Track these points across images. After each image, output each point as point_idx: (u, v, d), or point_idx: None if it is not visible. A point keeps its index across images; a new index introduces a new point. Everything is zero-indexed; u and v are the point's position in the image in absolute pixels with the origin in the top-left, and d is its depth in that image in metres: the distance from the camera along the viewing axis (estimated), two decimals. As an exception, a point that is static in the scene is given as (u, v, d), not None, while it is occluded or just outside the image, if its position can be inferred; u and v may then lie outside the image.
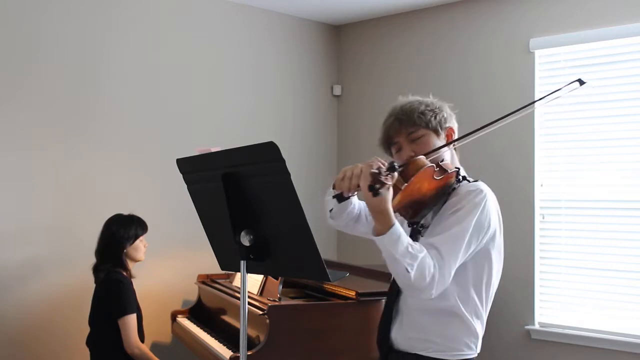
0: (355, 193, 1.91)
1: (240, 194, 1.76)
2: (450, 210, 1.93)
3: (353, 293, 3.05)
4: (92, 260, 3.37)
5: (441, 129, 2.05)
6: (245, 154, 1.73)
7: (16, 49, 3.55)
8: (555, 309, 3.95)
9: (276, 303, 3.05)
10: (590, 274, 3.82)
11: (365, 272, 3.59)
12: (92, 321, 3.36)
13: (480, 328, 2.00)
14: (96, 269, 3.36)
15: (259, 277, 3.34)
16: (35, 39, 3.62)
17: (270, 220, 1.76)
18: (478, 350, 2.01)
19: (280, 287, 3.18)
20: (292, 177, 1.62)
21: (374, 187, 1.71)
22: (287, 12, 4.72)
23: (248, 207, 1.76)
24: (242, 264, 1.80)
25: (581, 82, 1.93)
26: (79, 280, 3.64)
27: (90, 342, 3.36)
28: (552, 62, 4.01)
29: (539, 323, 3.98)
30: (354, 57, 5.02)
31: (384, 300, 3.03)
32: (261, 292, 3.29)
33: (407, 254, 1.79)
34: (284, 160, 1.60)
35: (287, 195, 1.64)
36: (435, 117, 2.04)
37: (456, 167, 2.01)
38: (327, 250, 4.73)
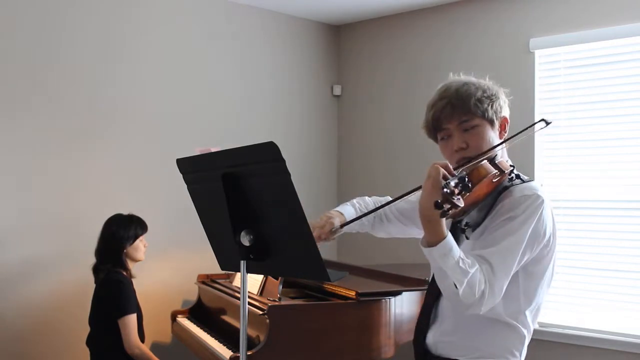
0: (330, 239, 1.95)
1: (240, 194, 1.76)
2: (503, 217, 1.77)
3: (353, 293, 3.05)
4: (92, 260, 3.37)
5: (496, 119, 1.86)
6: (246, 154, 1.72)
7: (16, 53, 3.55)
8: (555, 309, 3.95)
9: (276, 303, 3.04)
10: (590, 274, 3.82)
11: (365, 272, 3.59)
12: (92, 321, 3.36)
13: (527, 334, 1.88)
14: (96, 269, 3.36)
15: (259, 277, 3.34)
16: (35, 42, 3.62)
17: (270, 220, 1.75)
18: (522, 358, 1.90)
19: (280, 287, 3.18)
20: (292, 177, 1.61)
21: (442, 206, 1.55)
22: (287, 12, 4.72)
23: (248, 207, 1.76)
24: (242, 264, 1.80)
25: (547, 123, 1.84)
26: (79, 281, 3.64)
27: (90, 342, 3.36)
28: (552, 62, 4.01)
29: (539, 323, 3.97)
30: (354, 57, 5.01)
31: (384, 300, 3.08)
32: (261, 292, 3.29)
33: (458, 269, 1.66)
34: (284, 160, 1.60)
35: (287, 195, 1.63)
36: (492, 106, 1.85)
37: (511, 165, 1.83)
38: (327, 250, 4.72)
